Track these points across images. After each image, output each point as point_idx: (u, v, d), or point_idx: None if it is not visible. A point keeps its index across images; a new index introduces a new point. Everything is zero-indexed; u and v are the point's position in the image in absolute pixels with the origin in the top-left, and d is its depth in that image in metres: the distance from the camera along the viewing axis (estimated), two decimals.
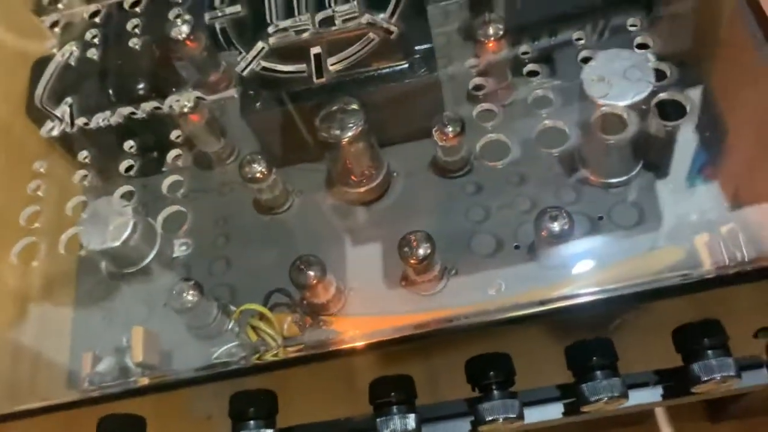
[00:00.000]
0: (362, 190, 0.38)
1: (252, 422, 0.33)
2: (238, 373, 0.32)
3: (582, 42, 0.39)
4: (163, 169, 0.41)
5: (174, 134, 0.41)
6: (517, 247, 0.35)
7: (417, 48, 0.35)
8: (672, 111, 0.36)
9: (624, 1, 0.38)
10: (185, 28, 0.37)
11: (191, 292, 0.34)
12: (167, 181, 0.41)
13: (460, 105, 0.38)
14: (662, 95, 0.36)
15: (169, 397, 0.35)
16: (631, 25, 0.38)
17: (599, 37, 0.38)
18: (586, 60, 0.38)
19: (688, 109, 0.36)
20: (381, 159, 0.38)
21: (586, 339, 0.34)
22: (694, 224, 0.33)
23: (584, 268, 0.34)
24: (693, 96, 0.36)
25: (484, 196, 0.37)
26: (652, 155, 0.35)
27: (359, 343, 0.32)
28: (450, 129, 0.35)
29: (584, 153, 0.36)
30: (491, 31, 0.35)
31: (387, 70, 0.35)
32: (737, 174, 0.33)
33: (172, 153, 0.41)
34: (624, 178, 0.35)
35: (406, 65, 0.35)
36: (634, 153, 0.35)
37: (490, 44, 0.36)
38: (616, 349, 0.33)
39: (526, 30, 0.38)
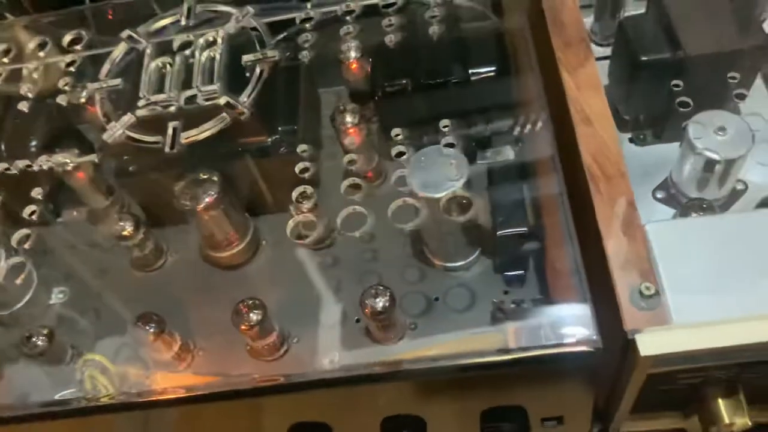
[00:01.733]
0: (225, 254, 0.40)
1: None
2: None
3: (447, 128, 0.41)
4: (59, 219, 0.44)
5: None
6: (357, 321, 0.37)
7: (280, 128, 0.38)
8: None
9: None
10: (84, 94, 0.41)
11: (41, 338, 0.36)
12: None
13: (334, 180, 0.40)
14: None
15: None
16: (444, 126, 0.40)
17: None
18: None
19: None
20: (246, 226, 0.40)
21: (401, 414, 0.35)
22: (511, 311, 0.34)
23: (410, 346, 0.35)
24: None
25: (339, 269, 0.39)
26: (486, 244, 0.37)
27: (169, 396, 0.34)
28: (304, 204, 0.38)
29: (426, 237, 0.38)
30: (348, 118, 0.38)
31: (249, 146, 0.38)
32: (553, 270, 0.35)
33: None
34: (461, 263, 0.37)
35: (268, 142, 0.38)
36: (469, 241, 0.37)
37: (351, 130, 0.39)
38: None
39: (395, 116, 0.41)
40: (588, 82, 0.35)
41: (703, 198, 0.36)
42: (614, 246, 0.30)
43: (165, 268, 0.42)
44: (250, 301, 0.35)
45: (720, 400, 0.31)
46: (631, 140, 0.42)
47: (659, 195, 0.39)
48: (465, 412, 0.36)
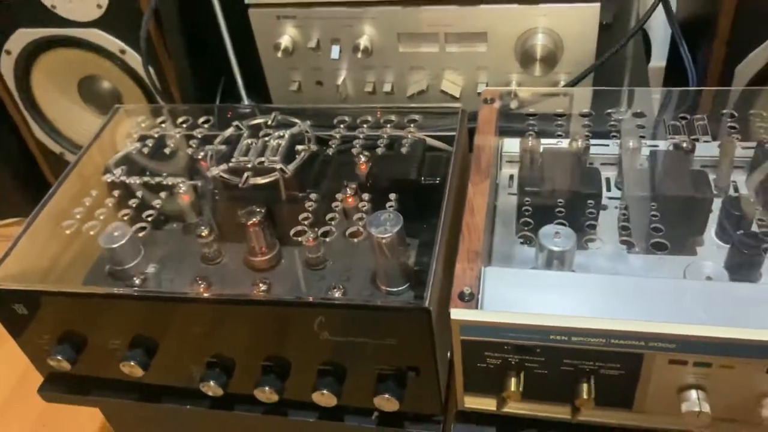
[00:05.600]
0: (258, 260, 0.64)
1: None
2: None
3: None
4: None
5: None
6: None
7: (307, 189, 0.65)
8: None
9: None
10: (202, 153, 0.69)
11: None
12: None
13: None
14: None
15: None
16: (391, 200, 0.64)
17: None
18: None
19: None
20: (274, 243, 0.64)
21: None
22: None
23: None
24: None
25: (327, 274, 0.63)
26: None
27: None
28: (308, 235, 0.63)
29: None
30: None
31: (287, 194, 0.64)
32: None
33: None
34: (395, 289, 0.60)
35: (298, 195, 0.64)
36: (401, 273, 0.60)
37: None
38: None
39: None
40: (480, 192, 0.59)
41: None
42: (460, 270, 0.53)
43: (220, 264, 0.67)
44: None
45: (513, 380, 0.52)
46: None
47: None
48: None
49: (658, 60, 1.10)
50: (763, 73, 0.79)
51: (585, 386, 0.51)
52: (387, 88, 0.88)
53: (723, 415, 0.50)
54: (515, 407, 0.54)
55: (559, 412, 0.54)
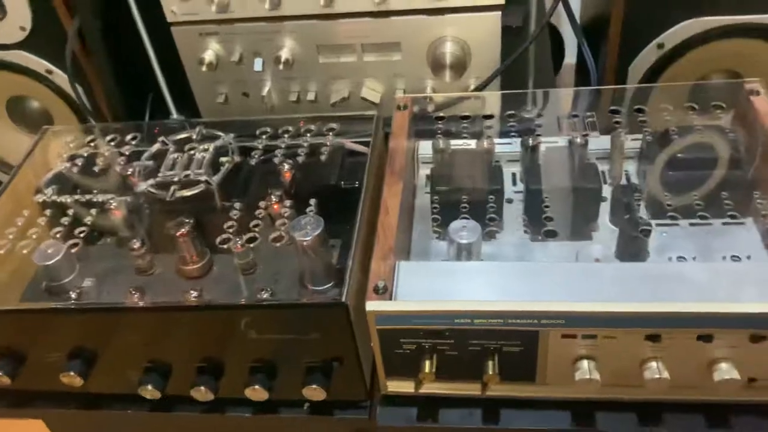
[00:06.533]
0: (189, 268, 0.68)
1: None
2: None
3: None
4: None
5: None
6: None
7: (233, 198, 0.69)
8: None
9: None
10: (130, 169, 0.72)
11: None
12: None
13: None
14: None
15: None
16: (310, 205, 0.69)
17: None
18: None
19: None
20: (204, 252, 0.68)
21: None
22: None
23: None
24: None
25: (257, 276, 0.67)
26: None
27: None
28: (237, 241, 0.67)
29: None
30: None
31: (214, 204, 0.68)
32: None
33: None
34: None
35: (224, 204, 0.68)
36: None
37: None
38: None
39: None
40: (393, 194, 0.65)
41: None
42: (375, 266, 0.58)
43: (154, 274, 0.70)
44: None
45: (427, 362, 0.57)
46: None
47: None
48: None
49: (570, 57, 1.17)
50: (653, 69, 0.86)
51: (491, 363, 0.56)
52: (311, 96, 0.92)
53: (612, 381, 0.56)
54: (431, 387, 0.60)
55: (470, 389, 0.59)
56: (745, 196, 0.67)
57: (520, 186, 0.73)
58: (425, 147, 0.78)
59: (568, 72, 1.31)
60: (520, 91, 0.81)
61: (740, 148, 0.69)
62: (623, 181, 0.72)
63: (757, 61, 0.89)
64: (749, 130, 0.70)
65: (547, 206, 0.66)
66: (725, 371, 0.54)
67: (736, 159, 0.68)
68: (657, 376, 0.54)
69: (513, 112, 0.76)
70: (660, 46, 0.84)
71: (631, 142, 0.73)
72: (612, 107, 0.74)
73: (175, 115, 0.97)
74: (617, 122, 0.73)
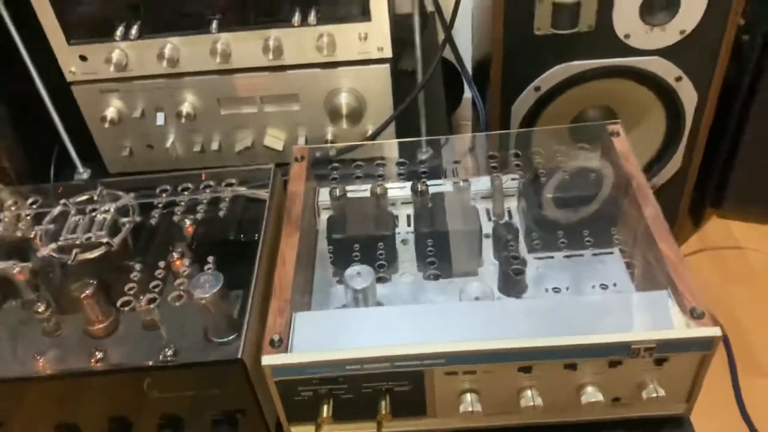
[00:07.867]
0: (95, 328, 0.70)
1: None
2: None
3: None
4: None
5: None
6: None
7: (137, 258, 0.71)
8: None
9: None
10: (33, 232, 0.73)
11: None
12: None
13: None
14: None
15: None
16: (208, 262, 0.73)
17: None
18: None
19: None
20: (110, 312, 0.70)
21: None
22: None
23: None
24: None
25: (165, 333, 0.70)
26: None
27: None
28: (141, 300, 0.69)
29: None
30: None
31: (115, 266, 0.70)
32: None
33: None
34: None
35: (124, 264, 0.70)
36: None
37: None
38: None
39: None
40: (290, 245, 0.68)
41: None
42: (271, 319, 0.62)
43: (60, 336, 0.71)
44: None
45: (325, 407, 0.61)
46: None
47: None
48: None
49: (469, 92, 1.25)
50: (532, 111, 0.94)
51: (383, 403, 0.61)
52: (215, 146, 0.96)
53: (493, 410, 0.62)
54: (331, 430, 0.64)
55: (367, 427, 0.64)
56: (611, 229, 0.74)
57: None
58: (325, 193, 0.82)
59: (467, 106, 1.38)
60: (413, 138, 0.87)
61: (605, 184, 0.77)
62: (505, 219, 0.78)
63: (627, 98, 0.98)
64: (613, 167, 0.78)
65: (431, 250, 0.72)
66: (591, 394, 0.60)
67: (601, 195, 0.76)
68: (531, 403, 0.60)
69: (403, 160, 0.82)
70: (537, 88, 0.92)
71: (512, 182, 0.80)
72: (490, 152, 0.80)
73: (80, 168, 0.98)
74: (494, 166, 0.79)
